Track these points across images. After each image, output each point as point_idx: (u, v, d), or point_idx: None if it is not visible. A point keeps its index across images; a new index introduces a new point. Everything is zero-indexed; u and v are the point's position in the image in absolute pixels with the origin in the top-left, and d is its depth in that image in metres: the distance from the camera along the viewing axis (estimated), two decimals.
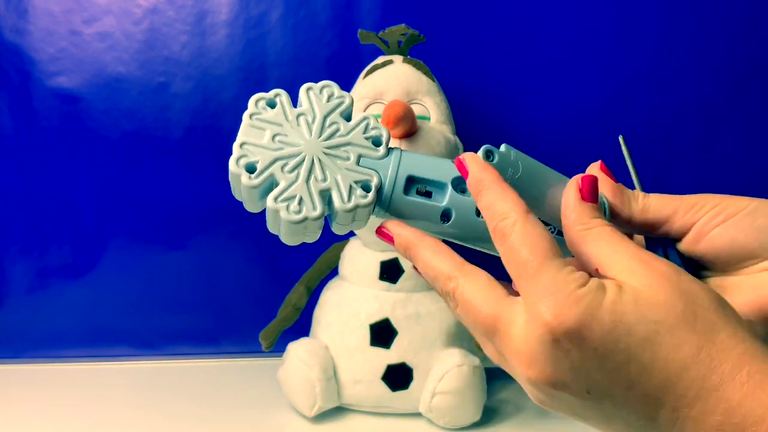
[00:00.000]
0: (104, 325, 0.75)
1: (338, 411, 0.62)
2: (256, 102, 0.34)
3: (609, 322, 0.26)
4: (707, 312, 0.26)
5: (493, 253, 0.32)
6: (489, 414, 0.62)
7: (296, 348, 0.61)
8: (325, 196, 0.32)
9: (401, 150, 0.35)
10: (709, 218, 0.33)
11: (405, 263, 0.62)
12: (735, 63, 0.75)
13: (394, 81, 0.62)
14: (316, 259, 0.68)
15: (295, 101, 0.35)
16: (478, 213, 0.33)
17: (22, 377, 0.70)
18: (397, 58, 0.64)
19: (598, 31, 0.74)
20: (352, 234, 0.66)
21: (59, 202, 0.73)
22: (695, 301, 0.27)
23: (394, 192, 0.33)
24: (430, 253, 0.32)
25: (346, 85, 0.65)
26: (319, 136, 0.34)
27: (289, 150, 0.33)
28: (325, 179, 0.33)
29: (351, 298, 0.62)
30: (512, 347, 0.28)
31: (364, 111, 0.62)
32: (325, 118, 0.34)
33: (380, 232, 0.34)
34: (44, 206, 0.73)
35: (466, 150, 0.63)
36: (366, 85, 0.62)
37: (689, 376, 0.25)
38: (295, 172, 0.33)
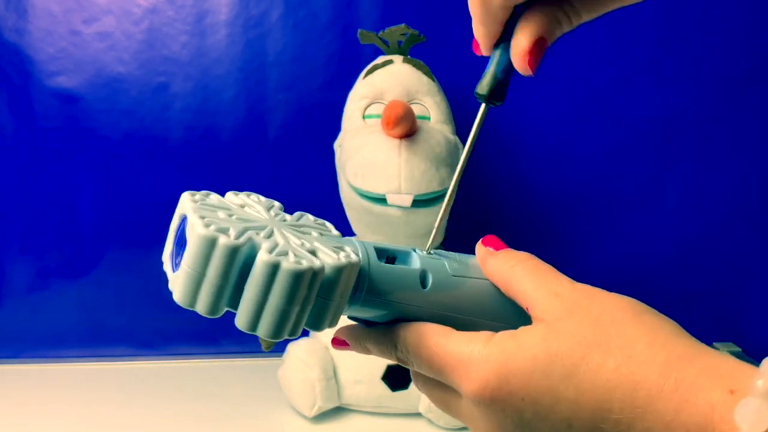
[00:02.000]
0: (104, 325, 0.75)
1: (338, 411, 0.62)
2: (191, 195, 0.31)
3: (524, 369, 0.26)
4: (621, 326, 0.26)
5: (474, 319, 0.31)
6: None
7: (296, 348, 0.61)
8: (314, 255, 0.29)
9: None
10: None
11: None
12: (735, 63, 0.75)
13: (394, 81, 0.61)
14: None
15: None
16: (454, 271, 0.32)
17: (22, 377, 0.70)
18: (397, 58, 0.64)
19: (598, 30, 0.74)
20: (352, 234, 0.66)
21: (59, 202, 0.73)
22: (607, 321, 0.26)
23: (370, 261, 0.30)
24: (373, 338, 0.32)
25: (346, 85, 0.65)
26: (274, 218, 0.31)
27: (254, 224, 0.29)
28: (305, 244, 0.29)
29: None
30: (468, 423, 0.29)
31: (364, 111, 0.62)
32: (268, 209, 0.32)
33: (335, 341, 0.33)
34: (44, 206, 0.73)
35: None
36: (366, 85, 0.62)
37: (617, 398, 0.24)
38: (272, 238, 0.28)
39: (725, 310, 0.77)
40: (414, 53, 0.66)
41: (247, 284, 0.27)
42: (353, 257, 0.29)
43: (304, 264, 0.26)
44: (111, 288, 0.74)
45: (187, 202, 0.30)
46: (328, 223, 0.33)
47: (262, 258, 0.26)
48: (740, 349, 0.76)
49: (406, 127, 0.56)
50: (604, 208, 0.76)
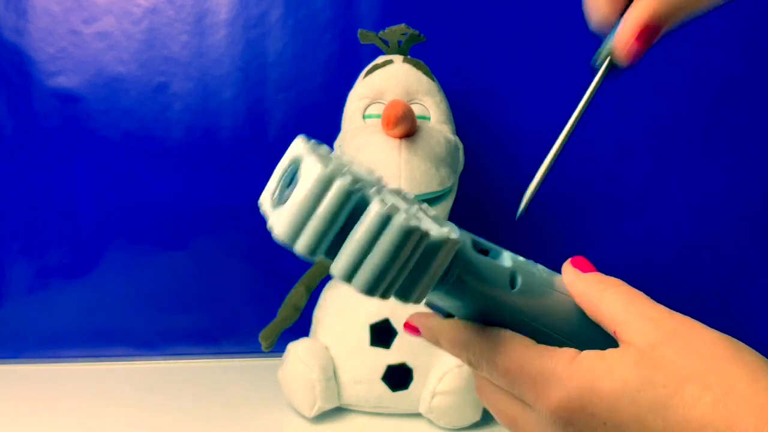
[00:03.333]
0: (104, 325, 0.75)
1: (338, 411, 0.62)
2: (306, 139, 0.31)
3: (612, 393, 0.25)
4: (722, 362, 0.25)
5: (554, 335, 0.31)
6: (489, 414, 0.62)
7: (296, 348, 0.61)
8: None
9: None
10: None
11: None
12: (735, 63, 0.75)
13: (394, 81, 0.61)
14: None
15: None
16: (540, 281, 0.31)
17: (22, 377, 0.70)
18: (397, 58, 0.63)
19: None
20: None
21: (59, 202, 0.73)
22: (707, 354, 0.25)
23: (467, 248, 0.30)
24: (447, 332, 0.31)
25: (346, 85, 0.65)
26: (380, 181, 0.30)
27: (365, 178, 0.29)
28: (410, 209, 0.28)
29: (351, 299, 0.62)
30: None
31: (364, 111, 0.62)
32: (371, 173, 0.31)
33: (408, 326, 0.33)
34: (44, 206, 0.73)
35: (466, 150, 0.63)
36: (366, 85, 0.62)
37: None
38: (383, 195, 0.28)
39: (726, 311, 0.77)
40: (414, 53, 0.66)
41: (353, 231, 0.26)
42: (455, 235, 0.28)
43: (415, 222, 0.26)
44: (111, 288, 0.74)
45: (302, 144, 0.30)
46: (425, 204, 0.33)
47: (376, 207, 0.26)
48: None
49: (406, 127, 0.56)
50: (604, 208, 0.76)
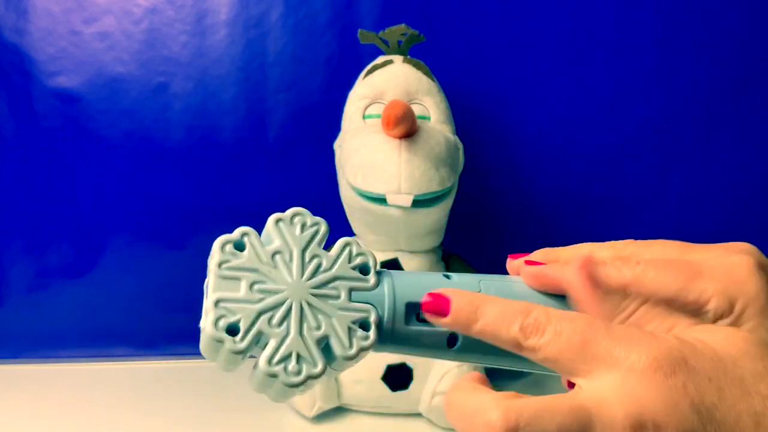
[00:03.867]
0: (104, 325, 0.75)
1: (338, 411, 0.62)
2: (222, 247, 0.30)
3: (716, 356, 0.24)
4: None
5: (504, 366, 0.30)
6: None
7: None
8: (323, 346, 0.29)
9: (389, 272, 0.31)
10: None
11: (405, 263, 0.62)
12: (735, 63, 0.75)
13: (394, 81, 0.61)
14: None
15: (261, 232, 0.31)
16: None
17: (22, 377, 0.70)
18: (397, 58, 0.63)
19: (599, 31, 0.74)
20: (352, 234, 0.66)
21: (59, 202, 0.73)
22: None
23: (395, 325, 0.30)
24: (501, 301, 0.28)
25: (346, 85, 0.65)
26: (302, 276, 0.30)
27: (272, 299, 0.29)
28: (319, 327, 0.29)
29: None
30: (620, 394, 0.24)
31: (364, 111, 0.62)
32: (303, 252, 0.30)
33: (432, 304, 0.29)
34: (44, 206, 0.73)
35: (466, 150, 0.63)
36: (366, 85, 0.62)
37: None
38: (285, 324, 0.28)
39: None
40: (414, 53, 0.66)
41: (253, 371, 0.29)
42: (368, 341, 0.29)
43: (300, 378, 0.28)
44: (111, 288, 0.74)
45: (213, 268, 0.30)
46: (370, 259, 0.31)
47: (260, 367, 0.28)
48: None
49: (406, 127, 0.56)
50: (604, 208, 0.76)
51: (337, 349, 0.28)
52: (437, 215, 0.59)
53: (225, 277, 0.30)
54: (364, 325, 0.29)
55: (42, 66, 0.71)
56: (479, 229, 0.76)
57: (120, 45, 0.71)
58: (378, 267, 0.31)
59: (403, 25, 0.65)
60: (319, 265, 0.30)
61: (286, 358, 0.28)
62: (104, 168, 0.73)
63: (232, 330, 0.28)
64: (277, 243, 0.30)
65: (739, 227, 0.77)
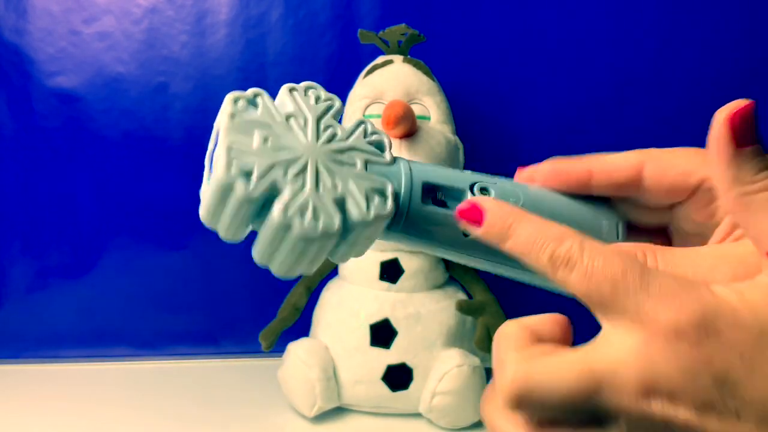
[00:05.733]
0: (104, 325, 0.75)
1: (338, 411, 0.62)
2: (234, 101, 0.28)
3: (749, 328, 0.21)
4: None
5: (519, 278, 0.29)
6: None
7: (296, 348, 0.61)
8: (340, 206, 0.26)
9: (406, 159, 0.30)
10: None
11: (405, 263, 0.62)
12: (736, 62, 0.75)
13: (394, 81, 0.61)
14: None
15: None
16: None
17: (22, 377, 0.70)
18: (397, 58, 0.64)
19: (599, 30, 0.74)
20: None
21: (59, 202, 0.73)
22: None
23: (411, 201, 0.28)
24: (536, 222, 0.26)
25: (346, 85, 0.65)
26: (317, 140, 0.28)
27: (287, 154, 0.26)
28: (336, 187, 0.26)
29: (351, 299, 0.62)
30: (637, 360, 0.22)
31: (365, 111, 0.62)
32: (318, 120, 0.29)
33: (467, 212, 0.27)
34: (44, 206, 0.73)
35: (466, 150, 0.63)
36: (366, 85, 0.62)
37: None
38: (300, 178, 0.26)
39: None
40: (414, 53, 0.66)
41: (263, 227, 0.26)
42: (385, 209, 0.27)
43: (317, 231, 0.25)
44: (111, 288, 0.74)
45: (225, 118, 0.28)
46: (385, 138, 0.30)
47: (275, 216, 0.25)
48: None
49: (406, 127, 0.56)
50: None
51: (354, 211, 0.26)
52: None
53: (237, 129, 0.27)
54: (381, 194, 0.27)
55: (42, 66, 0.71)
56: None
57: (120, 45, 0.71)
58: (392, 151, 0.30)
59: (403, 25, 0.65)
60: (334, 134, 0.28)
61: (303, 208, 0.25)
62: (104, 168, 0.73)
63: (246, 176, 0.25)
64: (290, 107, 0.29)
65: None
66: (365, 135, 0.29)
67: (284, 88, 0.30)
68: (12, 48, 0.71)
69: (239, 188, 0.25)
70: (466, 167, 0.63)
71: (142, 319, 0.75)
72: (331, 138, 0.28)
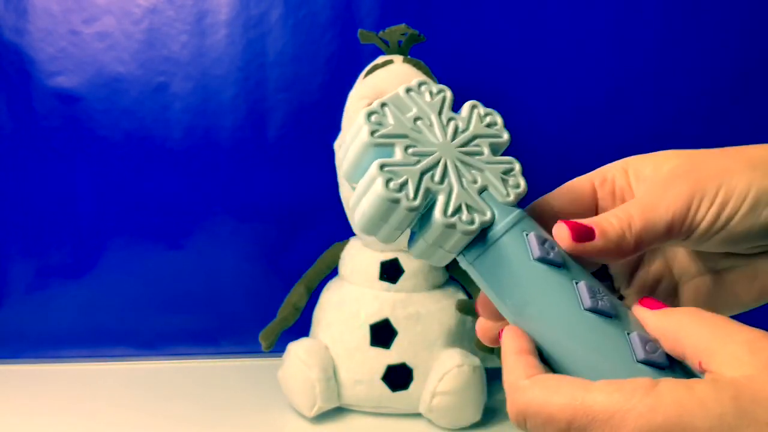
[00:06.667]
0: (104, 325, 0.75)
1: (338, 411, 0.62)
2: (368, 116, 0.31)
3: (706, 430, 0.21)
4: None
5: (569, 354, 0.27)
6: (489, 414, 0.62)
7: (296, 348, 0.61)
8: (483, 196, 0.30)
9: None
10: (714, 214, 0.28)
11: (405, 263, 0.62)
12: (736, 62, 0.75)
13: (394, 81, 0.61)
14: (316, 259, 0.68)
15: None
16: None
17: (22, 377, 0.70)
18: (397, 58, 0.64)
19: (599, 30, 0.74)
20: (352, 234, 0.66)
21: (59, 202, 0.73)
22: None
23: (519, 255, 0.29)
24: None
25: (346, 85, 0.65)
26: (446, 137, 0.31)
27: (428, 160, 0.30)
28: (476, 180, 0.30)
29: (351, 299, 0.62)
30: None
31: None
32: (440, 116, 0.32)
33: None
34: (44, 206, 0.73)
35: None
36: (366, 85, 0.62)
37: None
38: (446, 180, 0.30)
39: None
40: (414, 53, 0.66)
41: (423, 232, 0.30)
42: (520, 188, 0.31)
43: (475, 226, 0.29)
44: (111, 288, 0.74)
45: (366, 137, 0.30)
46: (497, 116, 0.34)
47: (437, 221, 0.29)
48: None
49: None
50: None
51: (497, 197, 0.30)
52: None
53: (379, 144, 0.30)
54: (513, 176, 0.32)
55: (42, 66, 0.71)
56: None
57: (120, 45, 0.71)
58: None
59: (403, 25, 0.65)
60: (456, 126, 0.32)
61: (458, 209, 0.29)
62: (104, 168, 0.73)
63: (403, 190, 0.29)
64: (414, 110, 0.32)
65: None
66: (481, 118, 0.33)
67: (401, 90, 0.33)
68: (12, 48, 0.71)
69: (404, 202, 0.29)
70: None
71: (142, 319, 0.75)
72: (456, 130, 0.32)
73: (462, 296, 0.64)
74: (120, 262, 0.74)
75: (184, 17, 0.71)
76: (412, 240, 0.31)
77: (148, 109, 0.72)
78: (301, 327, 0.66)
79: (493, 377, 0.63)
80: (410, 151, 0.30)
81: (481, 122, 0.33)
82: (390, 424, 0.61)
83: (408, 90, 0.33)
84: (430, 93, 0.33)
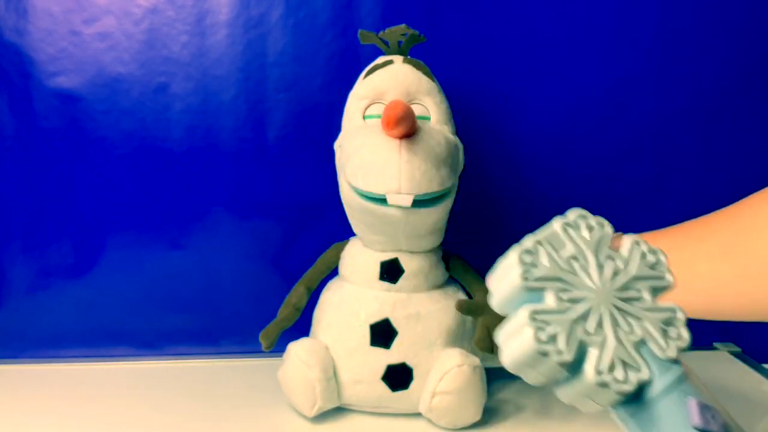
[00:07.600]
0: (104, 325, 0.75)
1: (338, 411, 0.62)
2: (520, 258, 0.29)
3: None
4: None
5: None
6: (489, 414, 0.62)
7: (296, 348, 0.61)
8: (641, 350, 0.28)
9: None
10: None
11: (405, 263, 0.62)
12: (736, 62, 0.75)
13: (394, 81, 0.61)
14: (316, 259, 0.68)
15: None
16: None
17: (22, 377, 0.70)
18: (397, 58, 0.63)
19: (599, 31, 0.74)
20: (352, 234, 0.66)
21: (59, 202, 0.73)
22: None
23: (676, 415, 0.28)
24: None
25: (346, 85, 0.65)
26: (603, 280, 0.29)
27: (581, 307, 0.28)
28: (633, 331, 0.28)
29: (351, 299, 0.62)
30: None
31: (365, 111, 0.62)
32: (597, 255, 0.30)
33: None
34: (44, 206, 0.73)
35: (466, 150, 0.63)
36: (366, 86, 0.62)
37: None
38: (601, 331, 0.28)
39: None
40: (414, 53, 0.66)
41: (574, 381, 0.28)
42: (682, 340, 0.28)
43: (630, 385, 0.27)
44: (111, 288, 0.74)
45: (519, 281, 0.29)
46: (661, 255, 0.31)
47: (589, 378, 0.27)
48: (740, 350, 0.76)
49: (406, 127, 0.56)
50: (604, 207, 0.76)
51: (656, 351, 0.28)
52: (437, 215, 0.59)
53: (531, 289, 0.29)
54: (673, 324, 0.29)
55: (42, 66, 0.71)
56: (479, 229, 0.76)
57: (120, 45, 0.71)
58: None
59: (403, 26, 0.65)
60: (615, 267, 0.30)
61: (612, 366, 0.27)
62: (104, 168, 0.73)
63: (553, 342, 0.28)
64: (570, 248, 0.30)
65: None
66: (642, 256, 0.31)
67: (557, 225, 0.31)
68: (12, 48, 0.71)
69: (554, 356, 0.27)
70: (466, 167, 0.63)
71: (142, 319, 0.75)
72: (615, 272, 0.30)
73: (462, 296, 0.64)
74: (120, 262, 0.74)
75: (185, 17, 0.71)
76: (562, 383, 0.29)
77: (148, 110, 0.72)
78: (301, 327, 0.66)
79: (493, 377, 0.63)
80: (563, 296, 0.29)
81: (643, 262, 0.30)
82: (390, 424, 0.61)
83: (566, 226, 0.31)
84: (589, 227, 0.31)
